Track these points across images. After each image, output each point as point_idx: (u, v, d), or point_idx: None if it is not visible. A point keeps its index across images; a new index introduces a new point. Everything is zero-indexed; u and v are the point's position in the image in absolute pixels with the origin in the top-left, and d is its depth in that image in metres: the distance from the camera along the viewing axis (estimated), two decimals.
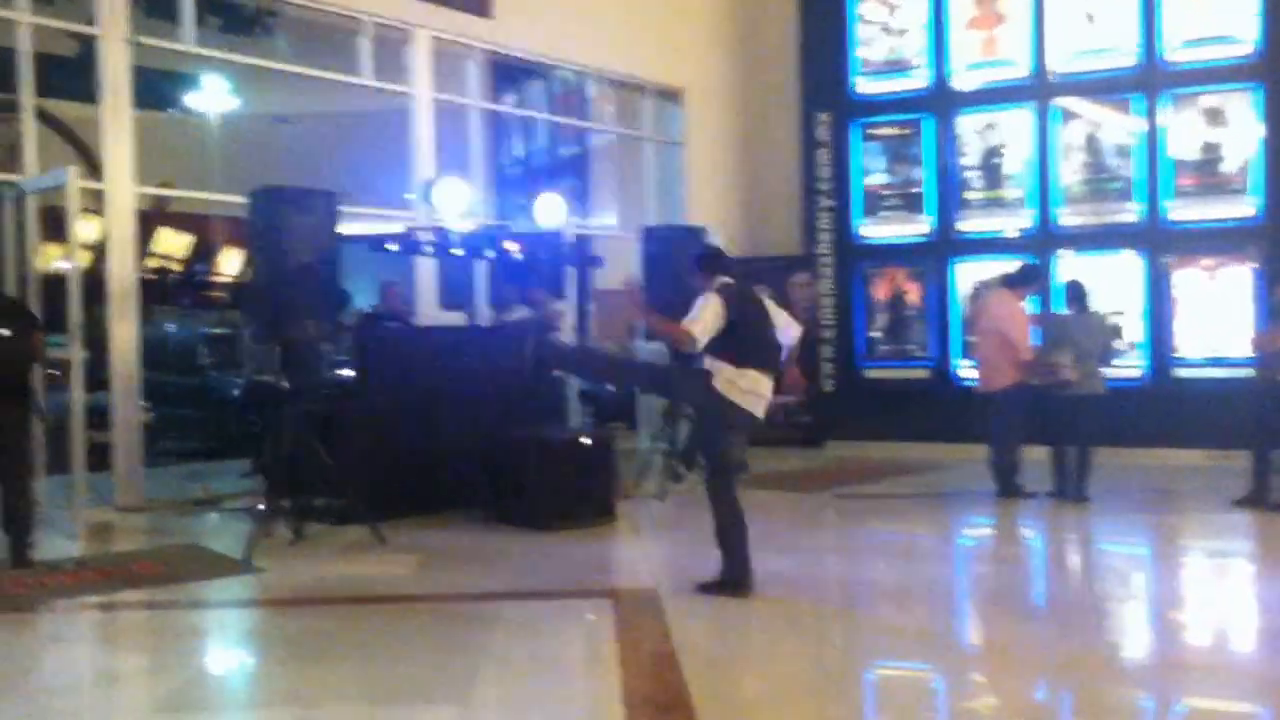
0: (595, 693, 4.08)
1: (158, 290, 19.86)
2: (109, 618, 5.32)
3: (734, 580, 5.35)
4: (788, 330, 5.68)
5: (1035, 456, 8.35)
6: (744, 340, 5.40)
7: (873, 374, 11.89)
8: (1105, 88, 10.89)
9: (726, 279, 5.51)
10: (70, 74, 9.74)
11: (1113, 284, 10.37)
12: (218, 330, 14.23)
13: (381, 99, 10.22)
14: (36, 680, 4.39)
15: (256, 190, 6.67)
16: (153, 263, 19.77)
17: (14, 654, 4.73)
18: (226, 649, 4.89)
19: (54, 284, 7.66)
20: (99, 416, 7.90)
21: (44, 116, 14.54)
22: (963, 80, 11.49)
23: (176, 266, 18.83)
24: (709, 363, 5.39)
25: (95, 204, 8.11)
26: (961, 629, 5.35)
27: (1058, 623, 5.26)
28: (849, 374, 11.92)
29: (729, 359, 5.35)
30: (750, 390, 5.37)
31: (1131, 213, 10.80)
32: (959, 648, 4.87)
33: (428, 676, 4.27)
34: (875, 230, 11.94)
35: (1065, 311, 8.31)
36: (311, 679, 4.37)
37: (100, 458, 7.88)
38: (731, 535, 5.37)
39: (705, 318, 5.30)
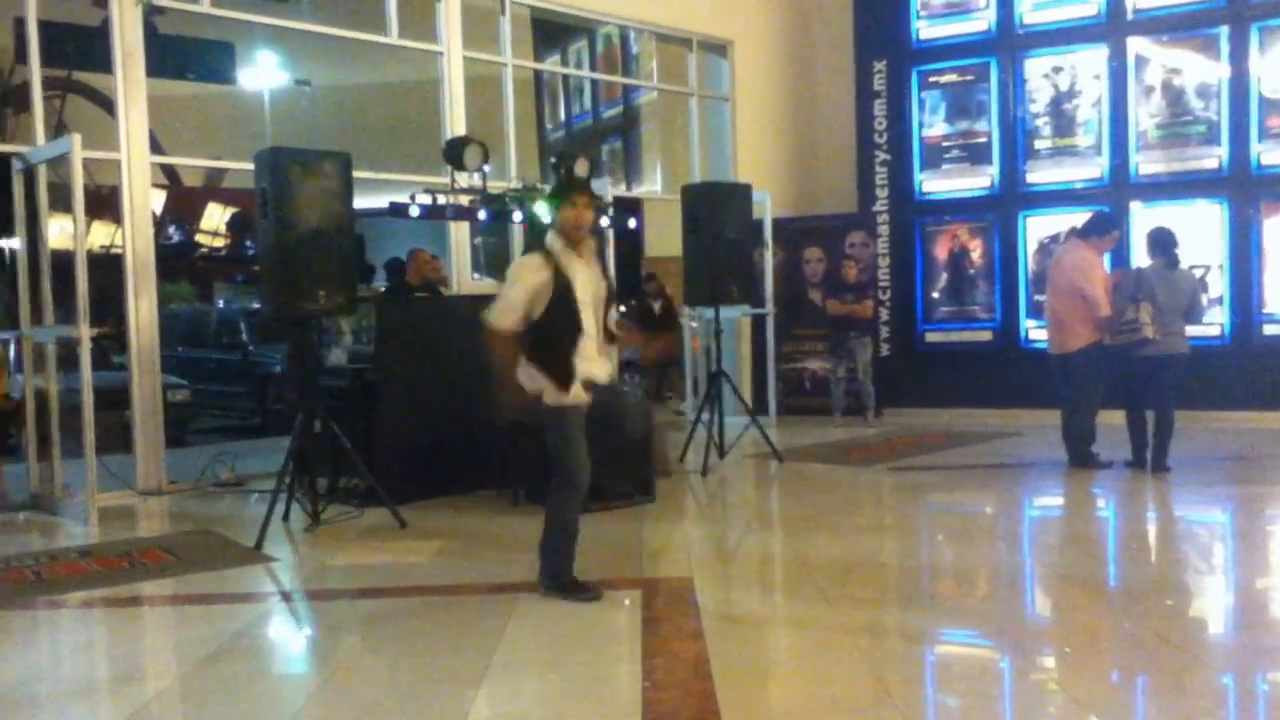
0: (609, 714, 3.57)
1: (207, 265, 19.84)
2: (98, 614, 4.94)
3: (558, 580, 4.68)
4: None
5: (1111, 422, 7.74)
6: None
7: (933, 337, 11.30)
8: (1187, 23, 10.09)
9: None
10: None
11: (1194, 235, 9.62)
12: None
13: (430, 66, 9.80)
14: None
15: (262, 151, 6.25)
16: (202, 239, 19.75)
17: None
18: (210, 653, 4.16)
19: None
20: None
21: (79, 89, 14.44)
22: (1030, 20, 10.77)
23: (223, 241, 18.72)
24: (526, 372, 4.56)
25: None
26: (1027, 614, 4.79)
27: (1131, 605, 4.69)
28: (907, 338, 11.34)
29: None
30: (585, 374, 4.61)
31: (1216, 158, 10.04)
32: (1025, 635, 4.32)
33: (415, 686, 3.83)
34: (936, 184, 11.30)
35: (1147, 264, 7.60)
36: (277, 689, 3.96)
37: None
38: (560, 541, 4.67)
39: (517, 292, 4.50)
